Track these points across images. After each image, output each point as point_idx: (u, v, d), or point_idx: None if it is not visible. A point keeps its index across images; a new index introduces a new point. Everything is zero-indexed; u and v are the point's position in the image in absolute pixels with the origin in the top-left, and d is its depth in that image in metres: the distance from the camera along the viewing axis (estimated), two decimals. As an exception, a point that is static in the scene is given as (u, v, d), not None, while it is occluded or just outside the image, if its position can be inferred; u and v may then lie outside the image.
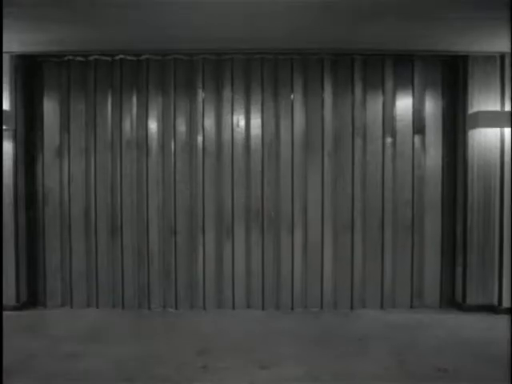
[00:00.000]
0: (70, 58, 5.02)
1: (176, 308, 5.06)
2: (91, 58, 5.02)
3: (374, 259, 5.06)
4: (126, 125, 5.05)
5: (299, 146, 5.04)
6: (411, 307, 5.08)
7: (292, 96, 5.02)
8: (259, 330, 4.44)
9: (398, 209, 5.07)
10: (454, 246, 5.10)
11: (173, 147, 5.04)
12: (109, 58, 5.02)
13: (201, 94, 5.04)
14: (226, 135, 5.05)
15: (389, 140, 5.07)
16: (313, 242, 5.05)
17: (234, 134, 5.05)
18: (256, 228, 5.05)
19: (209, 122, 5.05)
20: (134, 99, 5.04)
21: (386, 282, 5.07)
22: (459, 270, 5.04)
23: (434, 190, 5.10)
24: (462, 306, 4.98)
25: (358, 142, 5.05)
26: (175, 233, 5.03)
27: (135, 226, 5.05)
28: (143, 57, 5.00)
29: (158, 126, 5.04)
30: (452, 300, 5.12)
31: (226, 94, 5.04)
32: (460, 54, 4.88)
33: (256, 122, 5.04)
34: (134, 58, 5.01)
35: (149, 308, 5.06)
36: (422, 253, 5.10)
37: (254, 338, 4.20)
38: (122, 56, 4.99)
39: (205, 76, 5.04)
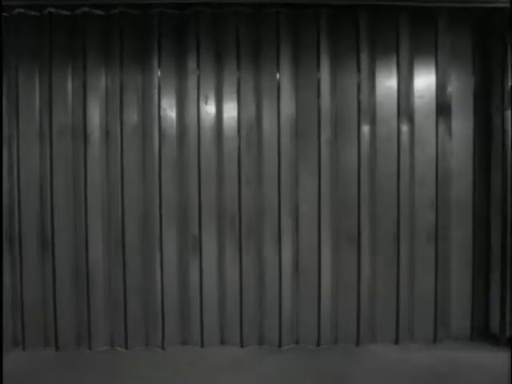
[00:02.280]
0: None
1: (126, 347, 3.80)
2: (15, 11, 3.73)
3: (386, 279, 3.87)
4: (59, 106, 3.79)
5: (288, 132, 3.83)
6: (434, 341, 3.90)
7: (278, 65, 3.81)
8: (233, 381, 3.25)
9: (417, 212, 3.88)
10: (488, 261, 3.92)
11: (119, 134, 3.79)
12: (36, 13, 3.75)
13: (156, 63, 3.79)
14: (190, 116, 3.81)
15: (405, 123, 3.87)
16: (307, 257, 3.84)
17: (201, 114, 3.82)
18: (231, 240, 3.83)
19: (167, 100, 3.82)
20: (69, 72, 3.78)
21: (402, 308, 3.87)
22: (495, 291, 3.86)
23: (463, 188, 3.92)
24: (498, 340, 3.81)
25: (366, 126, 3.86)
26: (124, 246, 3.78)
27: (71, 237, 3.78)
28: (79, 10, 3.74)
29: (101, 107, 3.78)
30: (486, 331, 3.94)
31: (191, 62, 3.80)
32: (499, 7, 3.68)
33: (230, 99, 3.81)
34: (68, 13, 3.75)
35: (90, 347, 3.80)
36: (447, 270, 3.91)
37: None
38: (52, 10, 3.73)
39: (162, 38, 3.79)
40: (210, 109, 3.83)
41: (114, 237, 3.79)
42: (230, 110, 3.82)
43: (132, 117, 3.80)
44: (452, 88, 3.91)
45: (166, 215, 3.79)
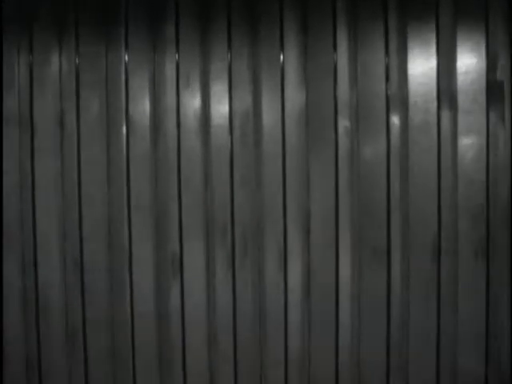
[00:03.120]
0: None
1: (87, 395, 2.99)
2: None
3: (422, 304, 2.98)
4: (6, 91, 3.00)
5: (295, 121, 2.99)
6: (486, 381, 3.02)
7: (281, 39, 2.97)
8: None
9: (462, 220, 2.98)
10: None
11: (75, 124, 2.97)
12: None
13: (123, 34, 2.97)
14: (168, 102, 2.98)
15: (446, 108, 3.01)
16: (320, 278, 2.98)
17: (182, 99, 2.98)
18: (222, 257, 2.98)
19: (137, 81, 2.99)
20: (15, 49, 3.00)
21: (443, 341, 2.98)
22: None
23: (520, 190, 3.04)
24: None
25: (396, 112, 3.00)
26: (82, 266, 2.96)
27: (16, 252, 2.99)
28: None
29: (53, 89, 2.98)
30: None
31: (168, 33, 2.97)
32: None
33: (219, 79, 2.98)
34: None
35: (41, 394, 2.99)
36: (500, 295, 2.98)
37: None
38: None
39: (129, 5, 2.99)
40: (192, 92, 3.00)
41: (70, 255, 2.96)
42: (219, 94, 2.99)
43: (92, 103, 2.97)
44: (505, 61, 3.02)
45: (138, 227, 2.95)
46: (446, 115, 3.00)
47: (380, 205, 2.98)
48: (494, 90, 3.02)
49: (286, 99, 3.00)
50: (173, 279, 2.97)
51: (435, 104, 2.99)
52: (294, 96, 3.01)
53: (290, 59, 3.01)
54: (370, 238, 3.00)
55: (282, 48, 3.00)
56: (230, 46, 2.99)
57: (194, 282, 2.97)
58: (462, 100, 3.01)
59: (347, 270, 2.98)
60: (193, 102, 2.98)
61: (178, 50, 2.98)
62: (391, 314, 3.00)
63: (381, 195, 2.97)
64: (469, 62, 3.02)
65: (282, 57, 3.00)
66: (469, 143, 3.00)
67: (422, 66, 3.01)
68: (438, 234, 2.98)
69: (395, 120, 3.00)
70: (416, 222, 2.99)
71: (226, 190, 2.96)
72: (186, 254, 2.96)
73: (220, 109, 2.99)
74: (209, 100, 2.98)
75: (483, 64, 3.01)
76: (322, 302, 3.00)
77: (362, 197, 2.99)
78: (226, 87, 2.97)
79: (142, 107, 2.98)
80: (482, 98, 3.00)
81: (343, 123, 2.98)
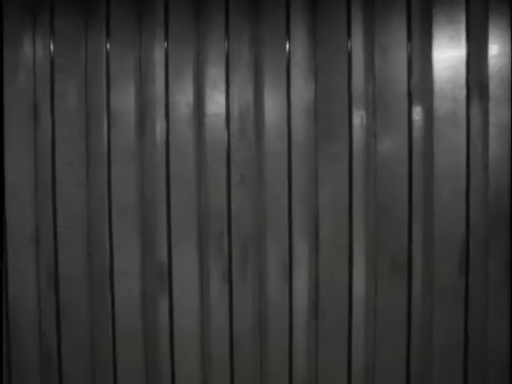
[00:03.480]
0: None
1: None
2: None
3: (447, 324, 2.55)
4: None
5: (301, 112, 2.59)
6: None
7: (287, 20, 2.58)
8: None
9: (492, 229, 2.57)
10: None
11: (49, 113, 2.60)
12: None
13: (104, 20, 2.60)
14: (156, 89, 2.60)
15: (475, 99, 2.60)
16: (331, 294, 2.58)
17: (172, 86, 2.60)
18: (217, 269, 2.58)
19: (120, 64, 2.60)
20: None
21: (471, 367, 2.54)
22: None
23: None
24: None
25: (420, 106, 2.59)
26: (57, 279, 2.58)
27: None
28: None
29: (27, 77, 2.60)
30: None
31: (158, 15, 2.60)
32: None
33: (216, 62, 2.61)
34: None
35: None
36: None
37: None
38: None
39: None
40: (184, 81, 2.61)
41: (44, 264, 2.59)
42: (215, 80, 2.61)
43: (69, 90, 2.60)
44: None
45: (120, 233, 2.56)
46: (475, 108, 2.60)
47: (400, 210, 2.57)
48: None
49: (292, 88, 2.62)
50: (161, 293, 2.58)
51: (464, 94, 2.60)
52: (302, 85, 2.63)
53: (296, 43, 2.62)
54: (387, 248, 2.60)
55: (287, 31, 2.62)
56: (227, 29, 2.61)
57: (184, 297, 2.58)
58: (494, 88, 2.61)
59: (361, 283, 2.58)
60: (184, 89, 2.60)
61: (167, 33, 2.60)
62: (412, 337, 2.58)
63: (401, 199, 2.57)
64: (501, 46, 2.63)
65: (287, 41, 2.62)
66: (500, 139, 2.59)
67: (448, 51, 2.62)
68: (466, 245, 2.57)
69: (418, 113, 2.60)
70: (441, 231, 2.58)
71: (223, 190, 2.57)
72: (176, 265, 2.56)
73: (216, 99, 2.61)
74: (203, 87, 2.60)
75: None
76: (332, 322, 2.60)
77: (380, 199, 2.58)
78: (222, 72, 2.58)
79: (126, 95, 2.60)
80: (517, 87, 2.60)
81: (358, 115, 2.58)
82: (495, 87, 2.59)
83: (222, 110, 2.59)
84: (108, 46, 2.61)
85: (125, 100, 2.59)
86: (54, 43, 2.60)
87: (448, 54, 2.61)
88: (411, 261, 2.57)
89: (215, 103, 2.60)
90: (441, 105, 2.59)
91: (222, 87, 2.60)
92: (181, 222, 2.56)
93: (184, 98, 2.61)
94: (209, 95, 2.60)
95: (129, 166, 2.57)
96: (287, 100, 2.61)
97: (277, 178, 2.59)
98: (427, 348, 2.59)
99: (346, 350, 2.57)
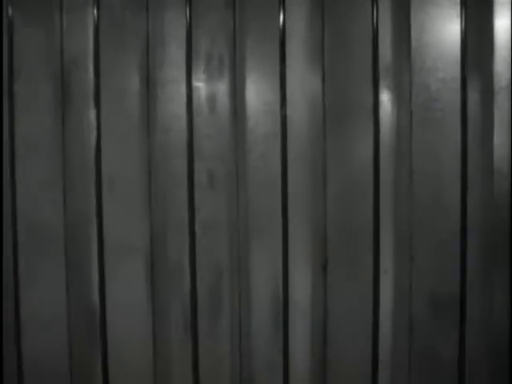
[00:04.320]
0: None
1: None
2: None
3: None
4: None
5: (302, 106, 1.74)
6: None
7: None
8: None
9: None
10: None
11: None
12: None
13: None
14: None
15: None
16: (344, 356, 1.72)
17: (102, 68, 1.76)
18: (176, 312, 1.73)
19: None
20: None
21: None
22: None
23: None
24: None
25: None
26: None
27: None
28: None
29: None
30: None
31: None
32: None
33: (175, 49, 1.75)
34: None
35: None
36: None
37: None
38: None
39: None
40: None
41: None
42: (172, 68, 1.76)
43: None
44: None
45: (31, 261, 1.72)
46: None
47: (450, 219, 1.71)
48: None
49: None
50: (91, 347, 1.75)
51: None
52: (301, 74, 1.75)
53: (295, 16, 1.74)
54: (427, 276, 1.74)
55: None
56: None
57: (126, 353, 1.74)
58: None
59: (388, 338, 1.72)
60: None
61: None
62: None
63: (453, 202, 1.70)
64: None
65: (281, 14, 1.73)
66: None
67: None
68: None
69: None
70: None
71: (182, 195, 1.72)
72: (112, 308, 1.73)
73: (174, 81, 1.75)
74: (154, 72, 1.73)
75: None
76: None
77: (417, 210, 1.72)
78: (183, 58, 1.71)
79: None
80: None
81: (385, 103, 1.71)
82: None
83: (182, 96, 1.73)
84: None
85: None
86: None
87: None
88: (465, 299, 1.70)
89: (171, 84, 1.74)
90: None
91: (183, 72, 1.73)
92: (119, 246, 1.71)
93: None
94: (162, 77, 1.74)
95: (41, 165, 1.72)
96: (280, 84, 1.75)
97: (263, 176, 1.74)
98: None
99: None
